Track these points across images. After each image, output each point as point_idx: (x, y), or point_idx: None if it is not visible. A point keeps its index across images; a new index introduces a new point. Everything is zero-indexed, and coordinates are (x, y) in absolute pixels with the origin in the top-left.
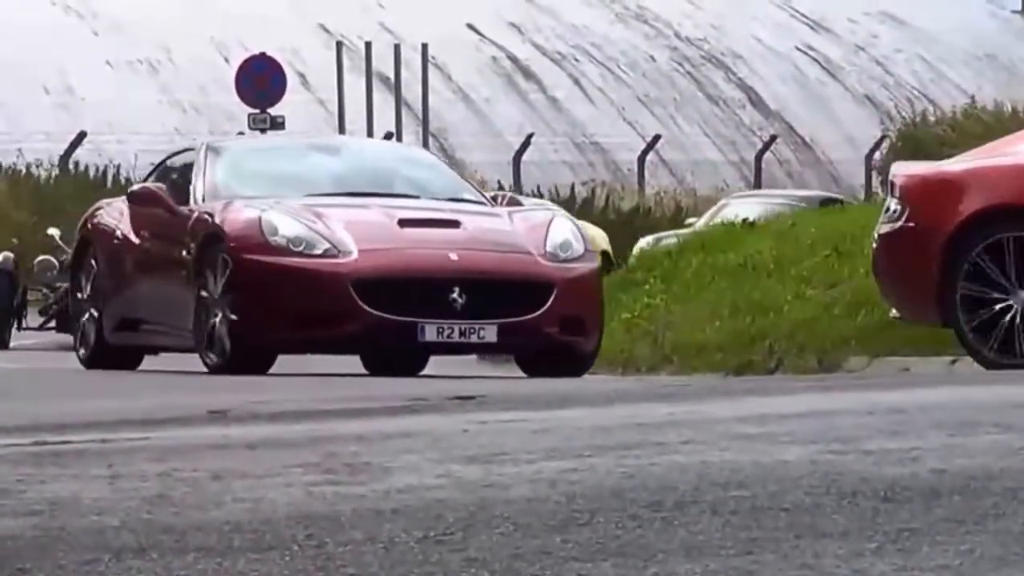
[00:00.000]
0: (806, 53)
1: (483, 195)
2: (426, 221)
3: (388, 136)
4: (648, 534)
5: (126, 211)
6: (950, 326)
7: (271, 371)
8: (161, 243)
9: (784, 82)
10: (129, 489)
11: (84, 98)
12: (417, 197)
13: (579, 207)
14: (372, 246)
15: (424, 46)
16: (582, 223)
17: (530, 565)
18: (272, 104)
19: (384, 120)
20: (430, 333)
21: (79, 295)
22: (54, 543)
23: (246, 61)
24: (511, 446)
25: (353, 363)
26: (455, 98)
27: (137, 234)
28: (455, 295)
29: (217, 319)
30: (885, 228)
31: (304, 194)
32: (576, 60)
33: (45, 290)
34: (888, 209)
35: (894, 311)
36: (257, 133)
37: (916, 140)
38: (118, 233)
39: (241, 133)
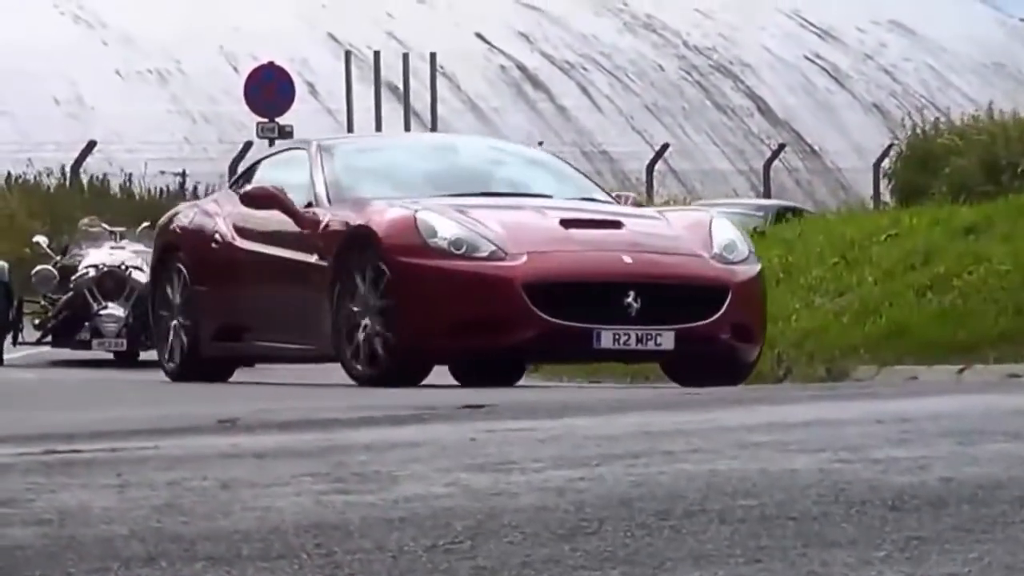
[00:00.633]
0: (814, 62)
1: (609, 195)
2: (589, 222)
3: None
4: (656, 543)
5: (223, 212)
6: None
7: (280, 381)
8: (280, 246)
9: (793, 91)
10: (138, 498)
11: (94, 108)
12: (550, 197)
13: None
14: (540, 248)
15: (433, 55)
16: None
17: (538, 574)
18: (281, 113)
19: (392, 130)
20: (606, 340)
21: (164, 304)
22: (63, 552)
23: (255, 71)
24: (519, 455)
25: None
26: (464, 107)
27: (243, 237)
28: (630, 300)
29: (367, 327)
30: None
31: (435, 194)
32: (585, 69)
33: (44, 302)
34: None
35: None
36: (265, 142)
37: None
38: (217, 237)
39: (249, 143)
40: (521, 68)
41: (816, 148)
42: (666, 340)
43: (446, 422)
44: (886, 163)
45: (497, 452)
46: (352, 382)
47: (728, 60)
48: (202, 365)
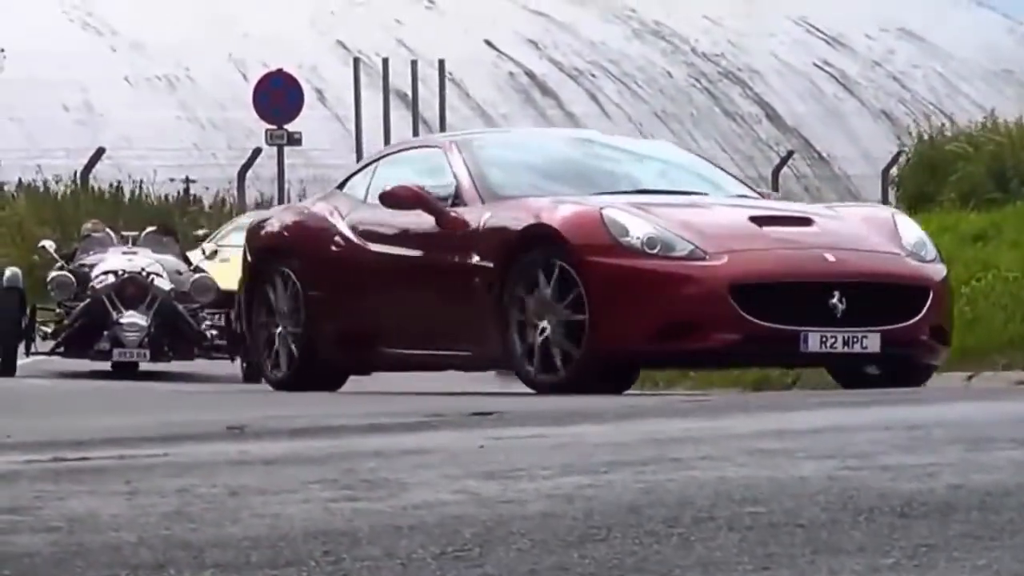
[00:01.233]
0: (823, 69)
1: (756, 191)
2: (781, 219)
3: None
4: (665, 550)
5: (341, 213)
6: None
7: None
8: (420, 248)
9: (801, 98)
10: (147, 505)
11: (103, 114)
12: (706, 194)
13: None
14: (738, 246)
15: (441, 62)
16: None
17: None
18: (289, 120)
19: (401, 137)
20: (813, 343)
21: (265, 311)
22: (72, 559)
23: (264, 77)
24: (528, 462)
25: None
26: (473, 114)
27: (368, 239)
28: (835, 300)
29: (545, 331)
30: None
31: (597, 192)
32: (593, 76)
33: (59, 310)
34: None
35: None
36: (274, 149)
37: (933, 155)
38: (336, 239)
39: (258, 150)
40: (530, 75)
41: (825, 155)
42: (872, 342)
43: (455, 429)
44: (894, 170)
45: (506, 459)
46: (530, 389)
47: (737, 67)
48: (317, 374)
